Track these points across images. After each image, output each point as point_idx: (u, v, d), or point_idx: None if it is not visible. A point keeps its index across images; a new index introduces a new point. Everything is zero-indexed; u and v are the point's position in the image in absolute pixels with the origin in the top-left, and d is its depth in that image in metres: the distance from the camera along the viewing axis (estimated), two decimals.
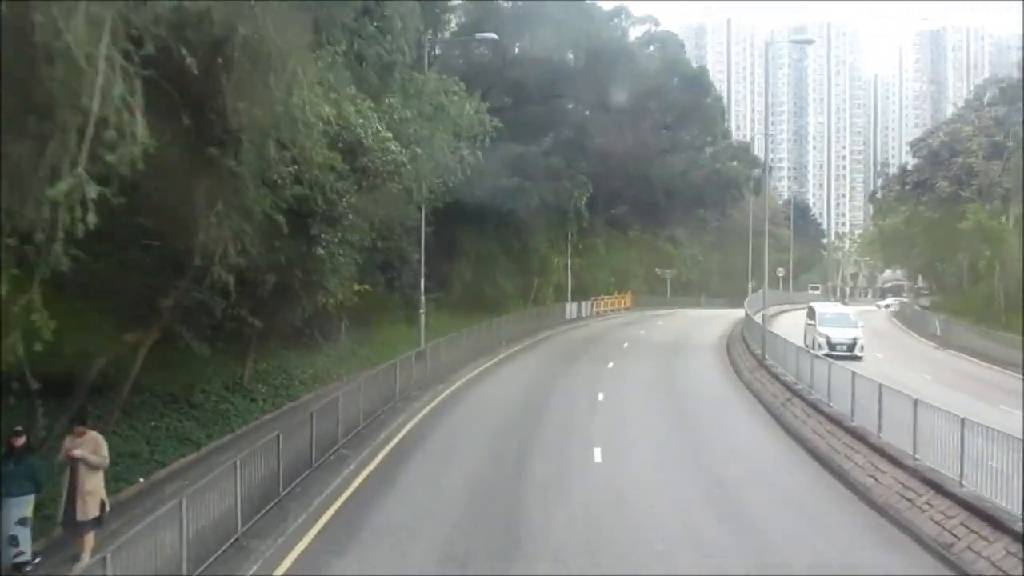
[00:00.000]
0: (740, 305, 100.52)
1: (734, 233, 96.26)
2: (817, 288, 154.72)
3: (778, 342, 28.01)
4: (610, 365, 30.21)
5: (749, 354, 31.80)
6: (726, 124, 62.06)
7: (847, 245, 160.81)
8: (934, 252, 65.32)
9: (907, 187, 67.61)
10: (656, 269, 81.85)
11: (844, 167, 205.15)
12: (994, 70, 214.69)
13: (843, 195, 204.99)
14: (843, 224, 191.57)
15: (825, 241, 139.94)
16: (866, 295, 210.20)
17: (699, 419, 21.57)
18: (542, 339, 39.47)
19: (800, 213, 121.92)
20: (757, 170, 61.18)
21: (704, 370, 30.44)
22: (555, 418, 20.76)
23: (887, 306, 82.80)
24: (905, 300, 77.82)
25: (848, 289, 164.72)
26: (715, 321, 55.22)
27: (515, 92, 42.03)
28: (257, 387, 19.77)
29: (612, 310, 57.99)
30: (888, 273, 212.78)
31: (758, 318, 33.10)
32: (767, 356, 28.12)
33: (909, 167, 71.85)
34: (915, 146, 70.59)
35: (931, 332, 46.81)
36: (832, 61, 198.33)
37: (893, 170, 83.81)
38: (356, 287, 22.78)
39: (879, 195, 77.91)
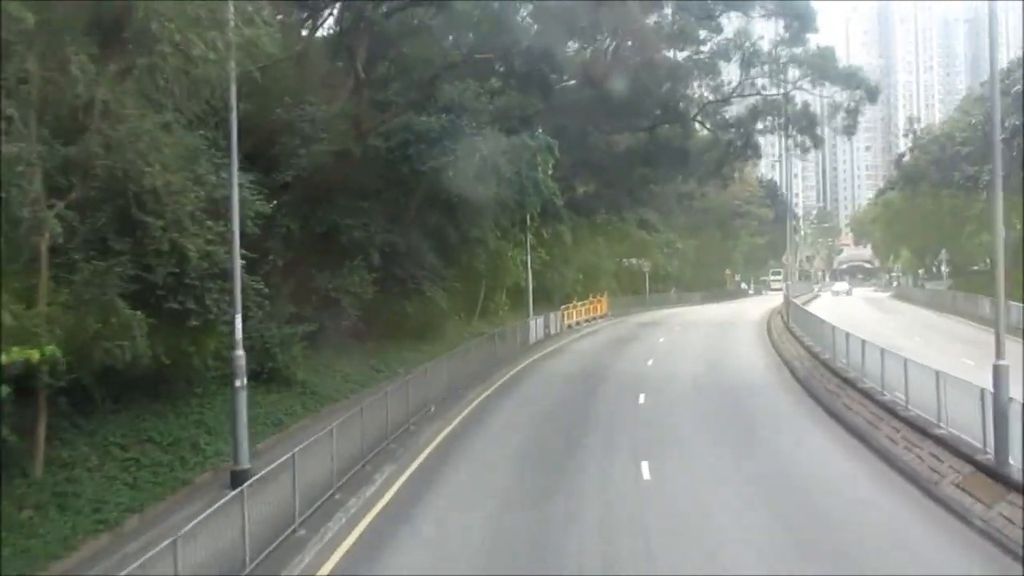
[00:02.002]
0: (725, 298, 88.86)
1: (712, 215, 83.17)
2: (779, 272, 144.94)
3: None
4: (646, 474, 14.78)
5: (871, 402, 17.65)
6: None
7: (803, 226, 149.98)
8: (945, 232, 60.96)
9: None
10: (629, 260, 67.74)
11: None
12: (943, 42, 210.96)
13: (795, 174, 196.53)
14: (796, 205, 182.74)
15: (795, 223, 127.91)
16: (822, 278, 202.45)
17: None
18: (497, 393, 22.95)
19: (770, 192, 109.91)
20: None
21: (835, 461, 15.74)
22: None
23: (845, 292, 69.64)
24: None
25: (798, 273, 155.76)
26: (732, 327, 41.33)
27: None
28: None
29: (587, 320, 43.25)
30: (848, 253, 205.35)
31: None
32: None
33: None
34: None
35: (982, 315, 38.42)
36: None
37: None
38: None
39: (906, 158, 65.56)
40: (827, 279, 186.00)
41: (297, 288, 21.56)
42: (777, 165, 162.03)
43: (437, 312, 27.89)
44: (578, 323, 40.86)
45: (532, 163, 30.54)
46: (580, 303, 43.74)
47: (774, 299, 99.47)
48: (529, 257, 36.10)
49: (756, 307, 67.45)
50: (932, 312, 50.27)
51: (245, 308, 14.02)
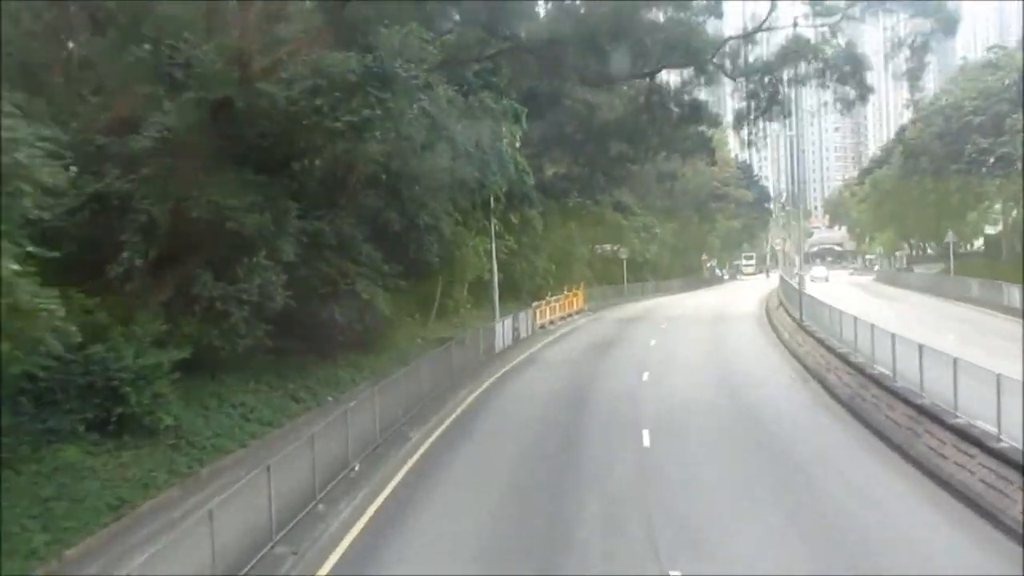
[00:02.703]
0: (702, 286, 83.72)
1: (691, 197, 78.13)
2: (751, 256, 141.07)
3: None
4: None
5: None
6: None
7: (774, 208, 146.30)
8: (950, 211, 57.84)
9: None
10: (603, 247, 62.44)
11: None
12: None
13: (764, 158, 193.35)
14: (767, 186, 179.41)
15: (769, 205, 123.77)
16: (791, 263, 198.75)
17: None
18: (451, 433, 16.94)
19: (744, 174, 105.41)
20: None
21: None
22: None
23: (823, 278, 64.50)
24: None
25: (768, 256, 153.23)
26: (728, 324, 36.12)
27: None
28: None
29: (562, 317, 37.72)
30: (818, 235, 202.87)
31: None
32: None
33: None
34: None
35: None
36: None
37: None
38: None
39: (907, 132, 61.00)
40: (799, 263, 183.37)
41: (175, 297, 15.69)
42: (748, 145, 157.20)
43: (379, 322, 22.13)
44: (552, 322, 35.44)
45: (496, 133, 24.94)
46: (553, 298, 38.25)
47: (752, 285, 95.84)
48: (495, 247, 30.44)
49: (739, 295, 62.66)
50: (936, 299, 45.84)
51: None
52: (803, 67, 34.58)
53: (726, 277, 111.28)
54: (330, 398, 19.13)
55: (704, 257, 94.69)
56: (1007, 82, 46.10)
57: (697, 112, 37.23)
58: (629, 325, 36.02)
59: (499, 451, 15.51)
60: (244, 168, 14.66)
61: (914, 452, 13.87)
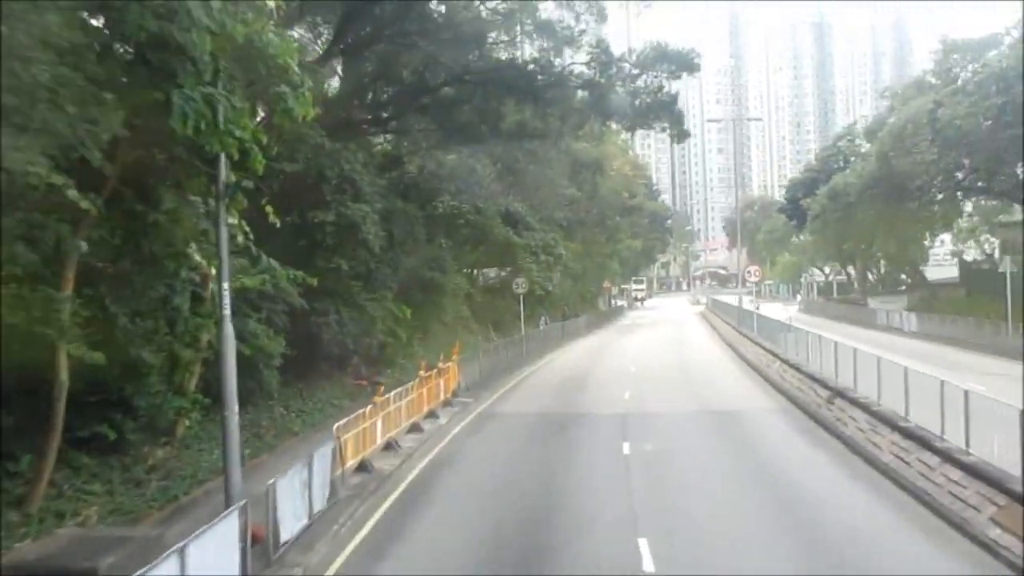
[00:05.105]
0: (605, 322, 67.54)
1: (597, 209, 61.19)
2: (641, 281, 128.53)
3: None
4: None
5: None
6: None
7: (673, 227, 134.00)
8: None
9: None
10: (487, 273, 44.63)
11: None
12: (790, 44, 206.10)
13: (660, 168, 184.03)
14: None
15: (669, 223, 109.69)
16: (680, 287, 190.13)
17: None
18: None
19: (648, 188, 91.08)
20: None
21: None
22: None
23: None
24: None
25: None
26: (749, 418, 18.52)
27: None
28: None
29: (410, 429, 18.31)
30: (704, 259, 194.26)
31: None
32: None
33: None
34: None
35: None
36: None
37: None
38: None
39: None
40: (687, 287, 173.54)
41: None
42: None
43: None
44: (389, 446, 16.27)
45: None
46: (396, 394, 18.33)
47: (657, 314, 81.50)
48: (227, 290, 11.39)
49: (676, 334, 46.78)
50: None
51: None
52: None
53: (626, 306, 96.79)
54: None
55: (606, 284, 78.67)
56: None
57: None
58: (554, 442, 17.93)
59: None
60: None
61: None
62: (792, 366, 23.65)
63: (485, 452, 16.80)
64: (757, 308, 37.43)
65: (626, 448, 16.39)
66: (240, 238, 12.90)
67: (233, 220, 12.40)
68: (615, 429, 18.62)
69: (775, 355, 26.32)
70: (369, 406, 15.41)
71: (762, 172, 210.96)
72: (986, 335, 36.49)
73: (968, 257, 57.85)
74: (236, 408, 11.93)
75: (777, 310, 53.49)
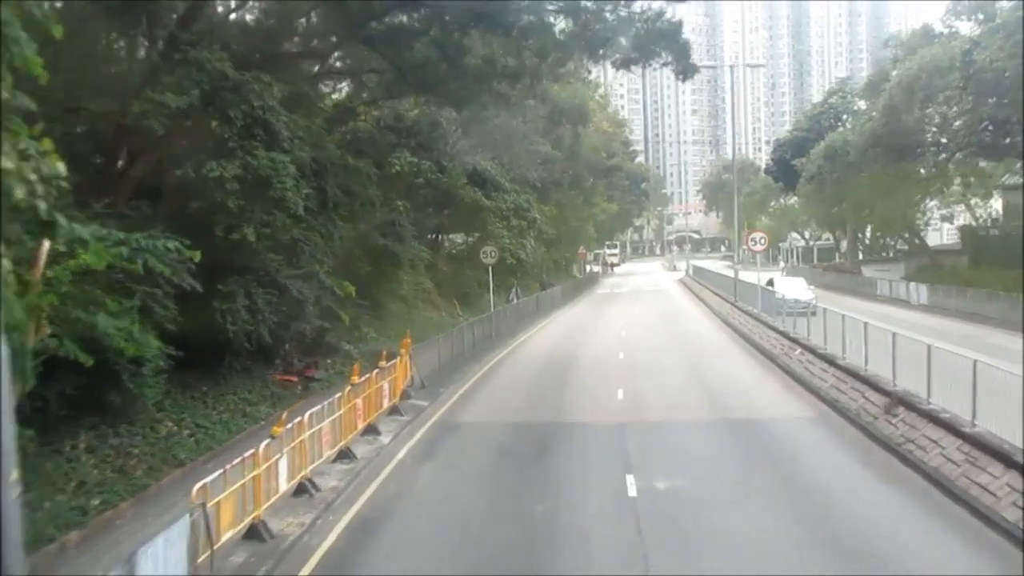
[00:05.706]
0: (584, 290, 63.25)
1: (574, 169, 56.26)
2: (615, 246, 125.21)
3: None
4: None
5: None
6: None
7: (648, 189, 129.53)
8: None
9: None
10: (453, 239, 39.88)
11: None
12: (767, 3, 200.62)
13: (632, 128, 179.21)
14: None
15: (644, 186, 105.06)
16: (652, 252, 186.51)
17: None
18: None
19: (626, 152, 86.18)
20: None
21: None
22: None
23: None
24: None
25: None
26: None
27: None
28: None
29: (341, 453, 13.86)
30: (677, 222, 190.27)
31: None
32: None
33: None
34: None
35: None
36: None
37: None
38: None
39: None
40: (664, 251, 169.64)
41: None
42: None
43: None
44: (302, 488, 11.59)
45: None
46: (312, 415, 13.35)
47: (633, 281, 77.19)
48: None
49: (656, 311, 42.42)
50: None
51: None
52: None
53: (599, 271, 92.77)
54: None
55: (582, 251, 74.06)
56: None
57: None
58: (532, 474, 13.35)
59: None
60: None
61: None
62: (820, 356, 19.32)
63: (437, 496, 12.15)
64: (770, 282, 33.06)
65: (631, 487, 11.89)
66: (38, 186, 7.83)
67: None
68: (612, 451, 14.11)
69: (796, 341, 21.99)
70: (266, 441, 10.56)
71: (738, 134, 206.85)
72: (1002, 308, 32.63)
73: (958, 222, 54.12)
74: (14, 474, 7.09)
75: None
